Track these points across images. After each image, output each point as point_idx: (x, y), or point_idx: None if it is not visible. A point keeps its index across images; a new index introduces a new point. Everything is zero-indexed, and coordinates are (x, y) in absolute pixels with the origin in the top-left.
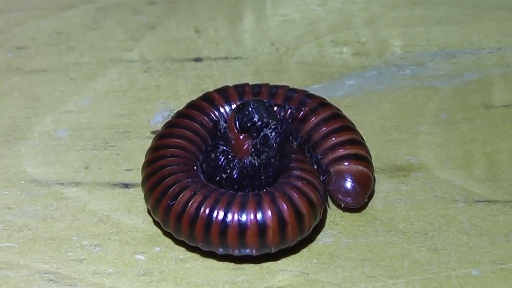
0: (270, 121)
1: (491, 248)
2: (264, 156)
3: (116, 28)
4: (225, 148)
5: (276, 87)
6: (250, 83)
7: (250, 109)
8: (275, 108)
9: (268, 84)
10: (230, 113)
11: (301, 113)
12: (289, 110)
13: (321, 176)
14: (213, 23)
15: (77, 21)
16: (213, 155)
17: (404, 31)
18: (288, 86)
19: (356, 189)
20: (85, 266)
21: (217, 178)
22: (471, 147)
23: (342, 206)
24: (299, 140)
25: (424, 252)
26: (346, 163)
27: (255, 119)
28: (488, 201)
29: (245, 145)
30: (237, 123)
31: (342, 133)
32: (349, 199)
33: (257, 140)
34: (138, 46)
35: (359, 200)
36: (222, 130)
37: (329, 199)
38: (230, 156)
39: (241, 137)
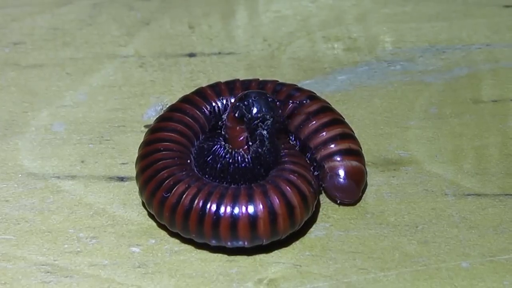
0: (267, 116)
1: (480, 241)
2: (255, 149)
3: (111, 24)
4: (218, 141)
5: (265, 81)
6: (241, 79)
7: (250, 100)
8: (277, 104)
9: (258, 79)
10: (221, 108)
11: (289, 106)
12: (290, 105)
13: (315, 172)
14: (207, 19)
15: (73, 17)
16: (206, 148)
17: (395, 27)
18: (277, 81)
19: (351, 185)
20: (81, 258)
21: (210, 171)
22: (460, 142)
23: (338, 202)
24: (292, 137)
25: (414, 244)
26: (339, 159)
27: (253, 111)
28: (477, 195)
29: (241, 137)
30: (237, 112)
31: (332, 127)
32: (345, 195)
33: (251, 134)
34: (133, 42)
35: (354, 195)
36: (222, 121)
37: (323, 193)
38: (223, 150)
39: (238, 128)
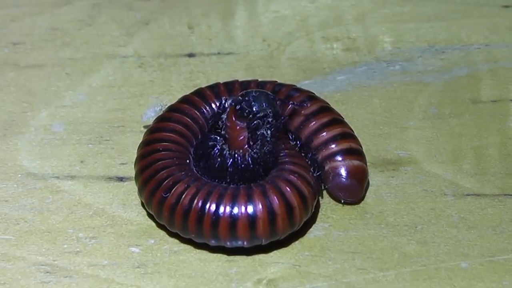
0: (268, 111)
1: (479, 241)
2: (257, 150)
3: (111, 24)
4: (217, 141)
5: (264, 82)
6: (240, 80)
7: (251, 97)
8: (278, 103)
9: (257, 80)
10: (220, 109)
11: (288, 107)
12: (290, 106)
13: (317, 173)
14: (206, 19)
15: (72, 17)
16: (206, 148)
17: (394, 27)
18: (276, 81)
19: (354, 184)
20: (80, 258)
21: (209, 171)
22: (459, 142)
23: (342, 202)
24: (292, 137)
25: (413, 244)
26: (340, 159)
27: (254, 108)
28: (476, 195)
29: (241, 136)
30: (237, 109)
31: (332, 127)
32: (348, 194)
33: (252, 132)
34: (132, 42)
35: (358, 194)
36: (221, 121)
37: (324, 192)
38: (222, 150)
39: (238, 127)
